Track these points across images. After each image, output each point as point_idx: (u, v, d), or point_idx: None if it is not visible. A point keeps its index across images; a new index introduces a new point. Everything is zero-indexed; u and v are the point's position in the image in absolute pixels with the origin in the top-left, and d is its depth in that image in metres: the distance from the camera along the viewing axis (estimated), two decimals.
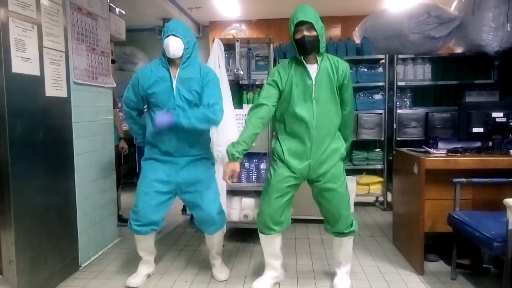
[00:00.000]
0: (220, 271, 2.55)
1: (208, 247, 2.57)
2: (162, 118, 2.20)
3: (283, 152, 2.22)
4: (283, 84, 2.17)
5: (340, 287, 2.34)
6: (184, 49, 2.25)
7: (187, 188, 2.37)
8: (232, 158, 2.10)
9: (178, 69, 2.29)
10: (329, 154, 2.20)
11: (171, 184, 2.35)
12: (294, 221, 3.66)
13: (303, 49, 2.12)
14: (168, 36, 2.23)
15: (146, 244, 2.47)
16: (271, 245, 2.33)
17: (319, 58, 2.17)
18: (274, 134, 2.42)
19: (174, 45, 2.21)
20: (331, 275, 2.54)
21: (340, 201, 2.22)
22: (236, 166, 2.12)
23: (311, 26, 2.08)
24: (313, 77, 2.15)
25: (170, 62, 2.29)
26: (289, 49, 4.30)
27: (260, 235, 2.32)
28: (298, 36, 2.11)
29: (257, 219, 2.32)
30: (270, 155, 3.10)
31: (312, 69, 2.16)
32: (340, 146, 2.25)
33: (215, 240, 2.50)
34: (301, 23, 2.08)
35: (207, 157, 2.48)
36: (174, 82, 2.28)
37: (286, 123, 2.22)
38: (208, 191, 2.40)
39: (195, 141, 2.36)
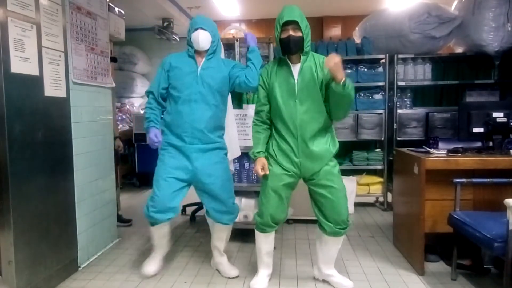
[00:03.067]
0: (231, 267, 2.58)
1: (216, 243, 2.56)
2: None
3: (274, 151, 2.26)
4: (266, 85, 2.27)
5: (348, 286, 2.35)
6: (211, 41, 2.39)
7: (203, 178, 2.40)
8: (253, 157, 2.30)
9: (204, 59, 2.42)
10: (318, 153, 2.20)
11: (189, 171, 2.39)
12: (294, 221, 3.67)
13: (288, 49, 2.16)
14: (197, 29, 2.36)
15: (162, 234, 2.51)
16: (267, 242, 2.36)
17: (303, 58, 2.19)
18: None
19: (204, 38, 2.36)
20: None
21: (338, 195, 2.22)
22: (260, 160, 2.26)
23: (297, 27, 2.11)
24: (296, 76, 2.17)
25: (196, 53, 2.42)
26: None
27: (259, 234, 2.34)
28: (284, 35, 2.14)
29: (256, 220, 2.33)
30: None
31: (296, 68, 2.19)
32: (330, 146, 2.24)
33: (227, 232, 2.55)
34: (287, 23, 2.11)
35: (221, 147, 2.50)
36: (199, 70, 2.39)
37: (275, 122, 2.27)
38: (225, 181, 2.46)
39: (210, 127, 2.40)
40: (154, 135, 2.39)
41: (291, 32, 2.11)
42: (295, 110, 2.17)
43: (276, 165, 2.25)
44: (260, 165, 2.24)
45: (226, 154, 2.56)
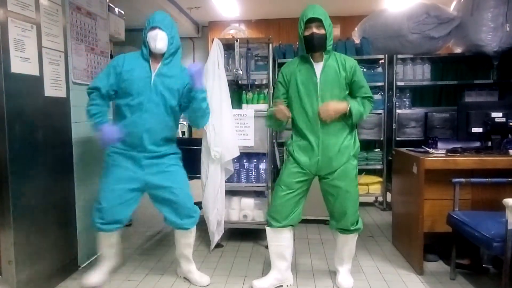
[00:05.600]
0: (201, 275, 2.47)
1: (182, 250, 2.42)
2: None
3: (293, 148, 2.28)
4: (287, 82, 2.27)
5: (344, 286, 2.36)
6: (168, 44, 2.20)
7: (155, 185, 2.27)
8: (273, 106, 2.28)
9: (160, 64, 2.23)
10: (338, 151, 2.22)
11: (138, 181, 2.26)
12: None
13: (311, 46, 2.16)
14: (154, 28, 2.18)
15: (110, 242, 2.38)
16: (276, 240, 2.34)
17: (325, 56, 2.20)
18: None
19: (161, 40, 2.17)
20: (330, 274, 2.55)
21: (347, 199, 2.23)
22: (279, 107, 2.19)
23: (320, 24, 2.13)
24: (318, 75, 2.18)
25: (151, 55, 2.24)
26: (289, 49, 4.30)
27: (267, 229, 2.34)
28: (307, 33, 2.15)
29: (266, 213, 2.37)
30: (270, 155, 3.11)
31: (318, 66, 2.20)
32: (352, 143, 2.27)
33: (192, 236, 2.42)
34: (310, 21, 2.12)
35: (173, 152, 2.37)
36: (153, 76, 2.22)
37: (296, 120, 2.27)
38: (179, 184, 2.32)
39: (161, 138, 2.28)
40: (111, 132, 2.16)
41: (315, 30, 2.12)
42: (317, 108, 2.18)
43: (293, 163, 2.27)
44: (280, 104, 2.19)
45: (179, 157, 2.41)
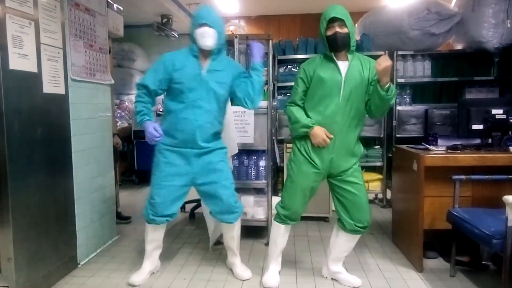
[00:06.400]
0: (244, 268, 2.52)
1: (227, 242, 2.52)
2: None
3: (308, 148, 2.25)
4: (309, 79, 2.23)
5: (357, 284, 2.37)
6: (217, 40, 2.21)
7: (202, 180, 2.35)
8: (311, 125, 2.19)
9: (209, 60, 2.27)
10: (351, 151, 2.23)
11: (187, 176, 2.34)
12: None
13: (335, 46, 2.15)
14: (203, 25, 2.18)
15: (157, 235, 2.46)
16: (285, 236, 2.39)
17: (350, 56, 2.19)
18: None
19: (209, 37, 2.18)
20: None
21: (364, 193, 2.26)
22: (319, 128, 2.18)
23: (342, 23, 2.12)
24: (343, 74, 2.17)
25: (200, 52, 2.26)
26: (288, 46, 4.28)
27: (280, 226, 2.36)
28: (330, 32, 2.14)
29: (280, 212, 2.34)
30: (270, 152, 3.10)
31: (343, 66, 2.18)
32: (361, 145, 2.29)
33: (236, 230, 2.48)
34: (333, 20, 2.12)
35: (220, 147, 2.42)
36: (204, 73, 2.25)
37: (313, 117, 2.23)
38: (224, 180, 2.38)
39: (211, 132, 2.32)
40: (154, 129, 2.21)
41: (338, 29, 2.12)
42: (338, 106, 2.17)
43: (307, 164, 2.25)
44: (323, 131, 2.17)
45: (225, 152, 2.48)
